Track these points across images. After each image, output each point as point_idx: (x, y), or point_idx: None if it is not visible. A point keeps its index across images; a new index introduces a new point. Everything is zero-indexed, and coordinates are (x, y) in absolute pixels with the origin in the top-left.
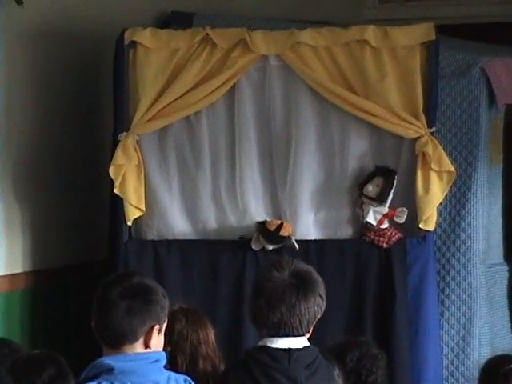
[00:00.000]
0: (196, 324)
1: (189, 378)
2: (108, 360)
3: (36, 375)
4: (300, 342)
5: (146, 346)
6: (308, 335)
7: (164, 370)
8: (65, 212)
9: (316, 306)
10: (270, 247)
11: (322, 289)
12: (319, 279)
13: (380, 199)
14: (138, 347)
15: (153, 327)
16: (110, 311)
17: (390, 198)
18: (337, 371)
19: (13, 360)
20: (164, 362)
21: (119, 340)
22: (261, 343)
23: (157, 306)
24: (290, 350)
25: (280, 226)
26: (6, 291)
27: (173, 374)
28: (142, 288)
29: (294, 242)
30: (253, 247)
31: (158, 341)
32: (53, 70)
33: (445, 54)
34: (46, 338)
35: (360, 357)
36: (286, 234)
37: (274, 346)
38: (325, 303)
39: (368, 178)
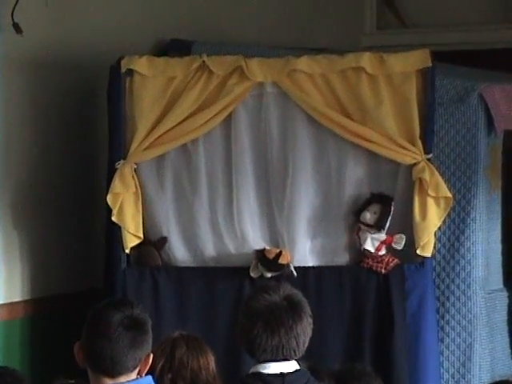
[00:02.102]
0: (196, 351)
1: None
2: None
3: None
4: (291, 366)
5: (140, 373)
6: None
7: None
8: (63, 240)
9: (308, 326)
10: (269, 275)
11: (309, 309)
12: (305, 300)
13: (378, 226)
14: (133, 375)
15: (148, 356)
16: (115, 342)
17: (388, 224)
18: None
19: None
20: None
21: (120, 371)
22: (253, 370)
23: (150, 336)
24: (282, 374)
25: (279, 255)
26: (6, 319)
27: None
28: (142, 319)
29: (293, 269)
30: (251, 274)
31: None
32: (50, 97)
33: (443, 81)
34: (45, 366)
35: None
36: (284, 262)
37: (266, 371)
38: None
39: (364, 205)
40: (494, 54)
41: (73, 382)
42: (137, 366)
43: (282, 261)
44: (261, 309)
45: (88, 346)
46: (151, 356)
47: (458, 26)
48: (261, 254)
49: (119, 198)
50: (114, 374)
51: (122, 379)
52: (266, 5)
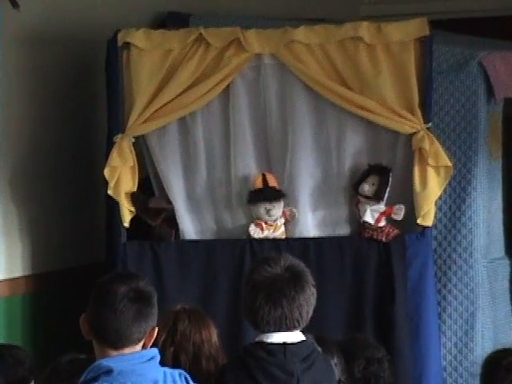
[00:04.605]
0: (199, 324)
1: (183, 372)
2: (106, 362)
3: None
4: (296, 337)
5: (144, 346)
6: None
7: (160, 367)
8: (63, 215)
9: (311, 296)
10: (272, 209)
11: (312, 279)
12: (308, 270)
13: (377, 198)
14: (138, 348)
15: (153, 329)
16: (120, 314)
17: (387, 195)
18: (335, 360)
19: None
20: (158, 358)
21: (124, 342)
22: (257, 339)
23: (156, 309)
24: (285, 343)
25: (264, 178)
26: (6, 295)
27: (168, 370)
28: (147, 292)
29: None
30: (251, 233)
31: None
32: (48, 71)
33: (442, 49)
34: (47, 342)
35: (366, 364)
36: (275, 184)
37: (269, 340)
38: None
39: (362, 177)
40: (494, 22)
41: (84, 356)
42: (141, 338)
43: (271, 183)
44: (262, 281)
45: (93, 317)
46: (156, 330)
47: None
48: (250, 194)
49: (116, 171)
50: (118, 346)
51: (127, 351)
52: None
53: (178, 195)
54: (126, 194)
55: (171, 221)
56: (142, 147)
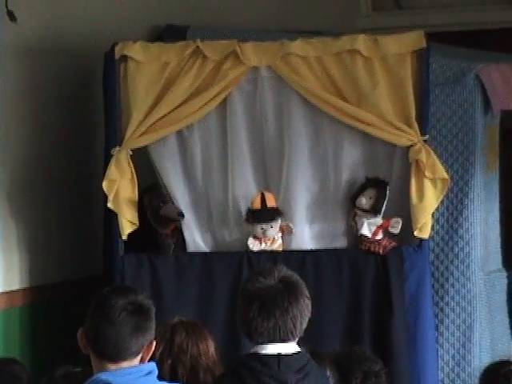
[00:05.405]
0: (196, 336)
1: None
2: (104, 376)
3: None
4: (290, 348)
5: (142, 359)
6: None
7: (158, 381)
8: (61, 227)
9: (306, 308)
10: (269, 229)
11: (306, 290)
12: (302, 282)
13: (374, 211)
14: (136, 361)
15: (151, 342)
16: (119, 327)
17: (384, 208)
18: (328, 373)
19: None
20: (156, 372)
21: (123, 356)
22: (252, 351)
23: (154, 322)
24: (279, 355)
25: (263, 198)
26: (4, 308)
27: None
28: (146, 305)
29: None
30: (250, 247)
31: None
32: (46, 84)
33: (439, 61)
34: (45, 355)
35: (363, 378)
36: (273, 205)
37: (264, 352)
38: (311, 303)
39: (359, 190)
40: (491, 34)
41: (79, 369)
42: (140, 351)
43: (270, 204)
44: (255, 292)
45: (92, 330)
46: (154, 343)
47: (454, 7)
48: (248, 213)
49: (115, 184)
50: (116, 359)
51: (125, 364)
52: None
53: (182, 207)
54: (129, 202)
55: (180, 232)
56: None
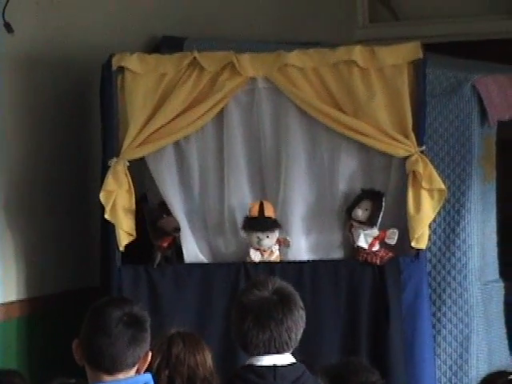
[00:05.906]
0: (193, 347)
1: None
2: None
3: None
4: (285, 359)
5: (138, 370)
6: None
7: None
8: (58, 239)
9: (300, 319)
10: (265, 239)
11: (300, 301)
12: (296, 292)
13: (370, 223)
14: (132, 373)
15: (147, 353)
16: (115, 339)
17: (380, 220)
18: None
19: None
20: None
21: (119, 368)
22: (247, 362)
23: (149, 334)
24: (275, 366)
25: (261, 206)
26: (1, 320)
27: None
28: (142, 316)
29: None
30: (252, 257)
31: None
32: (43, 95)
33: (436, 72)
34: (42, 366)
35: None
36: (271, 215)
37: (259, 363)
38: (305, 314)
39: (355, 202)
40: (487, 45)
41: (73, 381)
42: (136, 363)
43: (268, 213)
44: (250, 304)
45: (87, 342)
46: (150, 354)
47: (451, 17)
48: (245, 221)
49: (112, 195)
50: (112, 371)
51: (121, 376)
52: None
53: (180, 218)
54: (127, 213)
55: (176, 245)
56: None
